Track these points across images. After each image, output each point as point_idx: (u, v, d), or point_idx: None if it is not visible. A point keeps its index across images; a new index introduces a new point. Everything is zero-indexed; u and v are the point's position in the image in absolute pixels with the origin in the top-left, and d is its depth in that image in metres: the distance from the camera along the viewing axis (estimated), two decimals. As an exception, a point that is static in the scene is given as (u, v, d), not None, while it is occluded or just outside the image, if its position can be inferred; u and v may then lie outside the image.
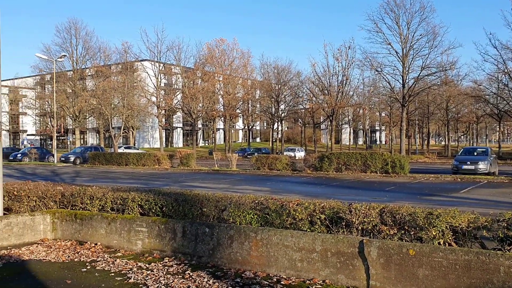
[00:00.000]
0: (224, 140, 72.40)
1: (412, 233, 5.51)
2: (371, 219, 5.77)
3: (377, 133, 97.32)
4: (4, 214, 8.80)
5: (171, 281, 5.67)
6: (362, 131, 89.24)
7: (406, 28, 45.18)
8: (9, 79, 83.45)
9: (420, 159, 46.07)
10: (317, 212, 6.18)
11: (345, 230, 5.95)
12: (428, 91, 51.61)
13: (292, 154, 47.47)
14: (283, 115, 65.02)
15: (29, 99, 76.41)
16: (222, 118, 66.10)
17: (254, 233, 6.05)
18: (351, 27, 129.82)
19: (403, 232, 5.56)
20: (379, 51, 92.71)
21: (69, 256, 7.00)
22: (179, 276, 5.85)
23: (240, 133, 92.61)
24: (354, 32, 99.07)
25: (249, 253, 6.04)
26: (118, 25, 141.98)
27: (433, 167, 33.09)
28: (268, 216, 6.53)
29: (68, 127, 75.11)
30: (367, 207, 5.95)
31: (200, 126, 79.18)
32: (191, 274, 5.93)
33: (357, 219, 5.85)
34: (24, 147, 66.19)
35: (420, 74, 45.28)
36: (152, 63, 60.10)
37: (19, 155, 43.13)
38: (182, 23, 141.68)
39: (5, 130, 78.25)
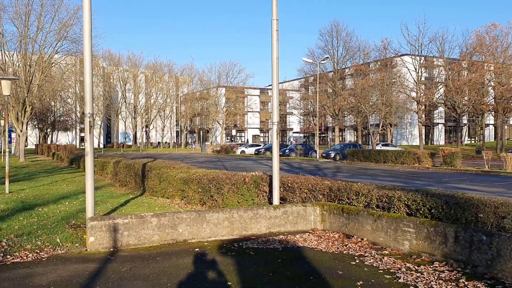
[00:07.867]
0: (495, 138, 64.49)
1: None
2: None
3: None
4: (280, 203, 9.92)
5: (444, 287, 5.32)
6: None
7: None
8: (280, 83, 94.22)
9: None
10: None
11: None
12: None
13: None
14: None
15: (295, 100, 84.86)
16: (493, 113, 58.87)
17: (548, 248, 5.11)
18: None
19: None
20: None
21: (337, 248, 7.36)
22: (452, 284, 5.43)
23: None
24: None
25: (541, 271, 5.15)
26: (378, 23, 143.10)
27: None
28: None
29: (328, 125, 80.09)
30: None
31: (465, 121, 72.62)
32: (466, 283, 5.44)
33: None
34: (291, 143, 74.00)
35: None
36: (413, 57, 58.13)
37: (287, 151, 48.32)
38: (446, 12, 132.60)
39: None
